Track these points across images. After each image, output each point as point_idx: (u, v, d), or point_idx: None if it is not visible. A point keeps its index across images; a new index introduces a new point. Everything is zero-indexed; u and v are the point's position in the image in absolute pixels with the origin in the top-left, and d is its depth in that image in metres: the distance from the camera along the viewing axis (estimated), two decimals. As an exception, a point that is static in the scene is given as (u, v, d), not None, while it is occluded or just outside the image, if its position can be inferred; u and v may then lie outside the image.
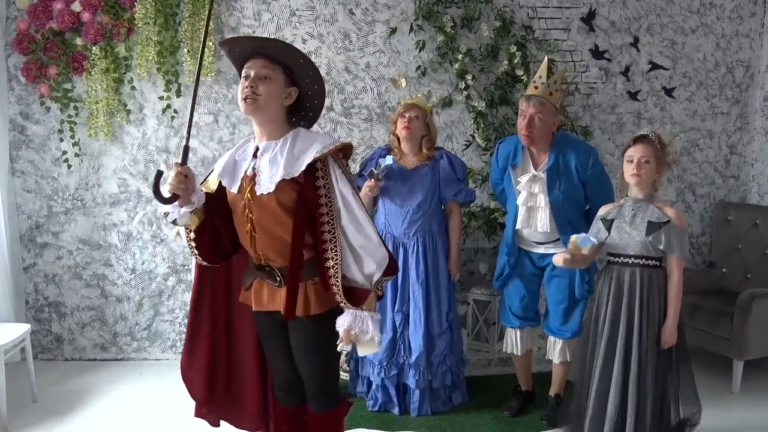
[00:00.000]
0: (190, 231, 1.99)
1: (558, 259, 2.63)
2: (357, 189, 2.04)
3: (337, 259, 1.90)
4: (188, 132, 1.90)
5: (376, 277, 1.97)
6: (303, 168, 1.90)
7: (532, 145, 2.88)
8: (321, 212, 1.91)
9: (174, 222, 1.93)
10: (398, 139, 3.13)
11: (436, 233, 3.12)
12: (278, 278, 1.98)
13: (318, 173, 1.92)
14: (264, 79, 1.91)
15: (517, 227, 2.96)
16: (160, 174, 1.85)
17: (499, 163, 3.07)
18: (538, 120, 2.78)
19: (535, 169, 2.91)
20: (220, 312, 2.24)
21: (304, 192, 1.91)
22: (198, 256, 2.05)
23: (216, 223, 2.04)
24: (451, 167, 3.11)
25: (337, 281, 1.90)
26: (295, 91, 1.99)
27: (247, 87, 1.90)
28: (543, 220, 2.88)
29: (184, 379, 2.23)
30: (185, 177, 1.86)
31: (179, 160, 1.89)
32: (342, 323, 1.95)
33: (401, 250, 3.09)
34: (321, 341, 2.04)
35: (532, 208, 2.91)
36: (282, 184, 1.90)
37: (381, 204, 3.16)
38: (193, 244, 2.01)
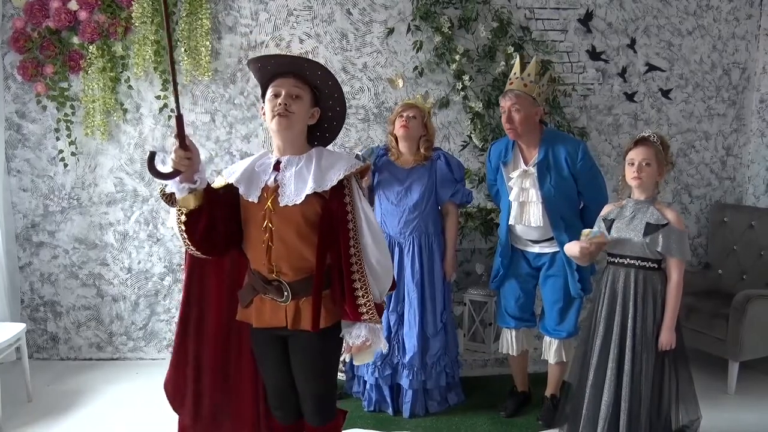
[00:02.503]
0: (182, 214, 1.88)
1: (573, 248, 2.60)
2: None
3: (363, 273, 1.94)
4: (176, 98, 1.82)
5: (386, 291, 2.04)
6: (334, 183, 1.93)
7: (518, 138, 2.89)
8: (348, 227, 1.95)
9: (170, 200, 1.87)
10: (396, 138, 3.13)
11: (432, 233, 3.12)
12: (286, 293, 1.97)
13: (345, 190, 1.96)
14: (295, 98, 1.94)
15: (510, 222, 2.97)
16: (153, 154, 1.80)
17: (492, 163, 3.09)
18: (515, 111, 2.81)
19: (526, 165, 2.92)
20: (211, 326, 2.16)
21: (330, 207, 1.94)
22: (188, 243, 1.94)
23: (215, 215, 1.94)
24: (449, 168, 3.11)
25: (367, 293, 1.94)
26: (318, 111, 2.02)
27: (280, 104, 1.92)
28: (536, 215, 2.89)
29: (166, 394, 2.18)
30: (188, 156, 1.79)
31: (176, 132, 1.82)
32: (358, 335, 1.96)
33: (397, 249, 3.09)
34: (325, 355, 2.04)
35: (524, 204, 2.92)
36: (308, 198, 1.93)
37: (377, 203, 3.16)
38: (183, 228, 1.90)
